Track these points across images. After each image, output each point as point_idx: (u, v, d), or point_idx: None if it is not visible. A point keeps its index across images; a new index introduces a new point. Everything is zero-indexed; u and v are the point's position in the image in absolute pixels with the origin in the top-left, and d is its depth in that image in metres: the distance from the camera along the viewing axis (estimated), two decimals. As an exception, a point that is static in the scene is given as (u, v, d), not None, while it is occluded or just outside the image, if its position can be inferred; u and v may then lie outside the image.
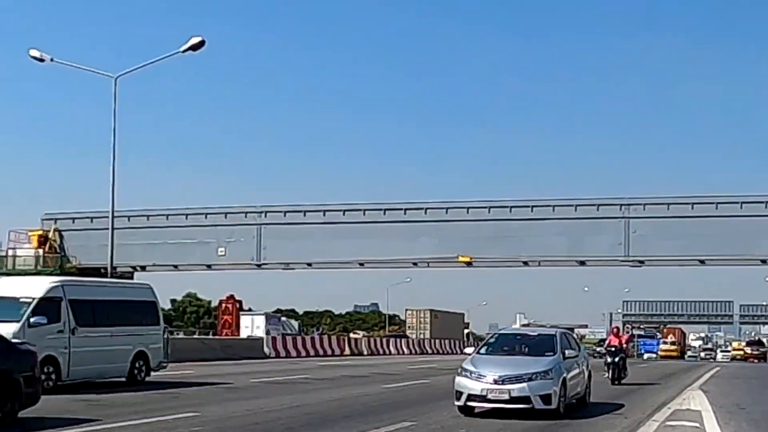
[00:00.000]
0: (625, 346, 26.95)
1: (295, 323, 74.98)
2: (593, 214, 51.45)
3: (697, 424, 13.37)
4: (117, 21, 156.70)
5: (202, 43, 32.21)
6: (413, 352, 59.35)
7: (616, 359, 25.11)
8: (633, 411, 15.84)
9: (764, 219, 48.91)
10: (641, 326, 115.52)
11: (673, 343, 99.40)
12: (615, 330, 28.72)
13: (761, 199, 49.66)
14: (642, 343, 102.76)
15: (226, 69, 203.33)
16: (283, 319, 71.66)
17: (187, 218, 56.06)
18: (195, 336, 52.38)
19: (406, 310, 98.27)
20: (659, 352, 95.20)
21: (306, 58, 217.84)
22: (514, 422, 13.44)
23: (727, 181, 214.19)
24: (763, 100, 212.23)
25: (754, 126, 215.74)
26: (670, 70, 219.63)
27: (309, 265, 55.70)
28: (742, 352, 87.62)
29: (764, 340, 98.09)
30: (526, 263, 53.49)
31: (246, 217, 55.50)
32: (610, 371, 25.00)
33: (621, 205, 51.31)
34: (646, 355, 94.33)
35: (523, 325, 62.53)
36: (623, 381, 24.99)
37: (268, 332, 55.17)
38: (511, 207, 52.55)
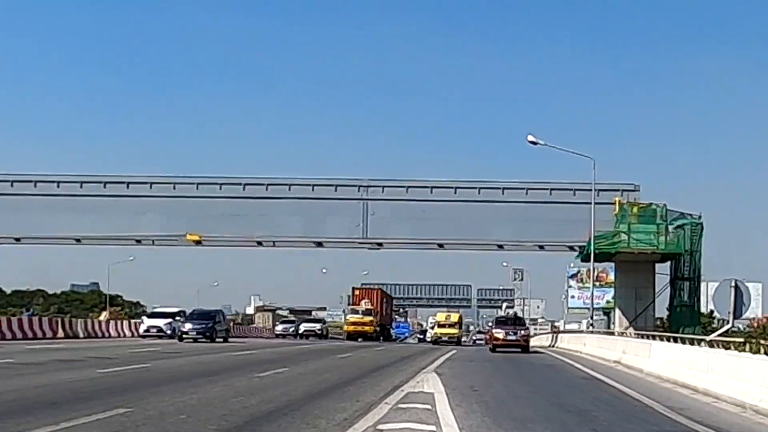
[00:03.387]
0: None
1: None
2: (331, 194, 52.51)
3: (429, 406, 13.77)
4: None
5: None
6: (134, 335, 57.82)
7: None
8: (365, 394, 16.09)
9: (501, 205, 51.73)
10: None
11: (367, 313, 65.30)
12: None
13: (498, 185, 52.49)
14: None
15: None
16: None
17: None
18: None
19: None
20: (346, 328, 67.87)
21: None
22: (236, 408, 13.32)
23: (466, 168, 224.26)
24: (498, 86, 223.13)
25: (489, 113, 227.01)
26: (413, 51, 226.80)
27: (17, 240, 53.31)
28: (452, 331, 56.39)
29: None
30: (260, 243, 53.79)
31: (-59, 185, 52.36)
32: None
33: (359, 186, 52.66)
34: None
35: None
36: None
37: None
38: (245, 184, 52.66)
